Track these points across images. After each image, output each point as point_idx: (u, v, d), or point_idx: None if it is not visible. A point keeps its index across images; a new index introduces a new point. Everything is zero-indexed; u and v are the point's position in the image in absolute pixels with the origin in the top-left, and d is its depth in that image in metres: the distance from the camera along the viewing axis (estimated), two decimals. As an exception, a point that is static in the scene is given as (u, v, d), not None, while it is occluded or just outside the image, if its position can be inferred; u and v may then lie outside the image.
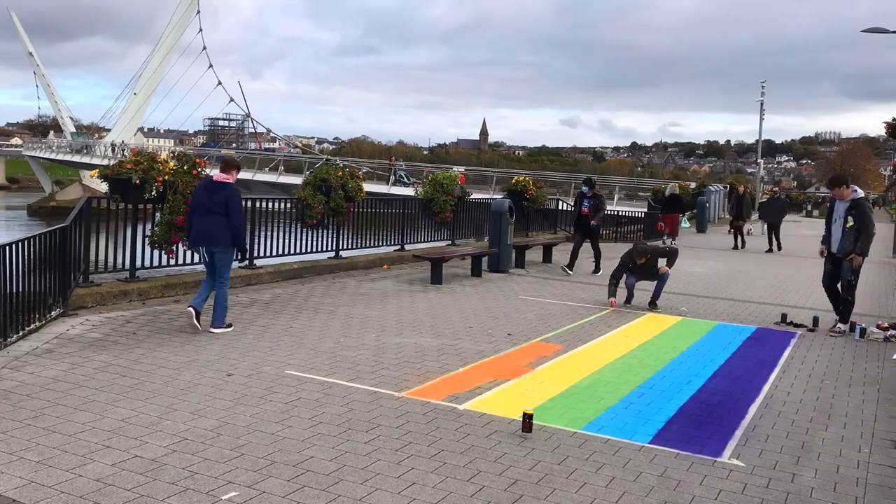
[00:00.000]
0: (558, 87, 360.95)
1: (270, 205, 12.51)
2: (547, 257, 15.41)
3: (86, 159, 64.70)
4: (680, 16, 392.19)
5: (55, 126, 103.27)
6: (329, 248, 12.71)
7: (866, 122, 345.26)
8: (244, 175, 49.34)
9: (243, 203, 11.83)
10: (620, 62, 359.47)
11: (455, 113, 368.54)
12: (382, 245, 14.52)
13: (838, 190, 9.36)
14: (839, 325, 9.31)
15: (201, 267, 10.43)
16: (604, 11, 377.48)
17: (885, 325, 9.33)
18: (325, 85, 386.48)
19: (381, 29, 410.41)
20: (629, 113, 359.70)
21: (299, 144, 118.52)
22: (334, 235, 12.73)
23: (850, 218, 9.13)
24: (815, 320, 9.63)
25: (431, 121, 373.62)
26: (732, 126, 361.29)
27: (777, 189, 23.71)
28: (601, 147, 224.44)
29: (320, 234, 12.41)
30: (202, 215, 7.57)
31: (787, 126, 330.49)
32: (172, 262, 9.62)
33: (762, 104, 51.84)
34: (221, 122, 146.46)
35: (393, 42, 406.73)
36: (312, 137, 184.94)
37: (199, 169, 9.32)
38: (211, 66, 77.29)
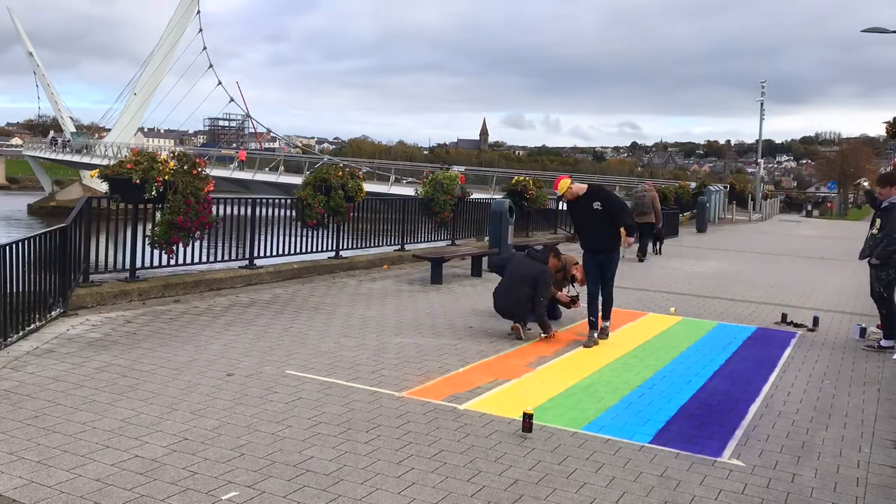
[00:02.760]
0: (500, 92, 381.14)
1: (270, 208, 12.53)
2: (547, 257, 15.38)
3: (86, 159, 64.72)
4: (585, 31, 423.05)
5: (55, 126, 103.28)
6: (329, 248, 12.71)
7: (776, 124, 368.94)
8: (244, 175, 49.40)
9: (245, 203, 11.94)
10: (547, 71, 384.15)
11: (422, 115, 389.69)
12: (382, 245, 14.53)
13: (887, 189, 8.35)
14: (882, 340, 8.44)
15: (201, 267, 10.46)
16: (509, 29, 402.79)
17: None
18: (283, 90, 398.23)
19: (311, 42, 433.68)
20: (571, 116, 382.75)
21: (299, 144, 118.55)
22: (334, 235, 12.72)
23: (877, 221, 8.43)
24: (815, 320, 9.62)
25: (401, 122, 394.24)
26: (675, 128, 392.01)
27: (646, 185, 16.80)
28: (601, 147, 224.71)
29: (320, 234, 12.41)
30: None
31: (709, 125, 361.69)
32: (172, 261, 9.62)
33: (762, 104, 51.81)
34: (221, 122, 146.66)
35: (322, 54, 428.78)
36: (312, 137, 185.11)
37: (199, 169, 9.32)
38: (211, 65, 77.37)
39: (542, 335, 7.98)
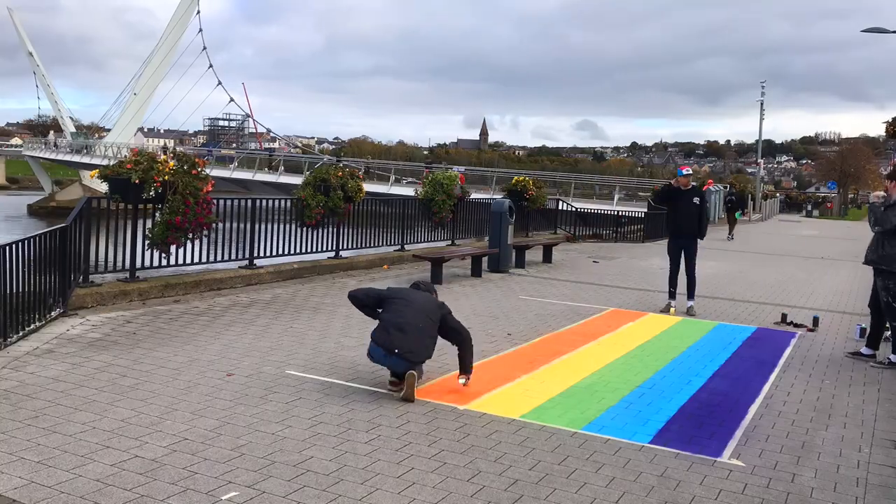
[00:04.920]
0: (452, 96, 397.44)
1: (270, 204, 12.53)
2: (547, 257, 15.40)
3: (86, 159, 64.73)
4: (513, 41, 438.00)
5: (55, 126, 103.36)
6: (329, 248, 12.71)
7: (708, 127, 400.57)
8: (244, 175, 49.41)
9: (244, 203, 11.95)
10: (491, 76, 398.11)
11: (399, 115, 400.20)
12: (382, 245, 14.52)
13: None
14: (892, 356, 7.62)
15: (201, 267, 10.46)
16: (444, 40, 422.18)
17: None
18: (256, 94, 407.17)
19: (266, 51, 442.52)
20: (526, 117, 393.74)
21: (299, 144, 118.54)
22: (334, 235, 12.73)
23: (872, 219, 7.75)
24: (815, 320, 9.62)
25: (378, 123, 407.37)
26: (640, 129, 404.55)
27: None
28: (601, 147, 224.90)
29: (320, 234, 12.41)
30: None
31: (675, 127, 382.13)
32: (172, 262, 9.62)
33: (762, 104, 51.86)
34: (221, 122, 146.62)
35: (276, 63, 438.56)
36: (312, 137, 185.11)
37: (199, 169, 9.32)
38: (211, 66, 77.37)
39: (464, 380, 6.10)
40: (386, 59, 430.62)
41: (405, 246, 14.60)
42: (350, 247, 13.37)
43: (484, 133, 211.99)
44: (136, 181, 8.71)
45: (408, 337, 5.83)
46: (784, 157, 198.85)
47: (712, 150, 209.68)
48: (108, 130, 75.20)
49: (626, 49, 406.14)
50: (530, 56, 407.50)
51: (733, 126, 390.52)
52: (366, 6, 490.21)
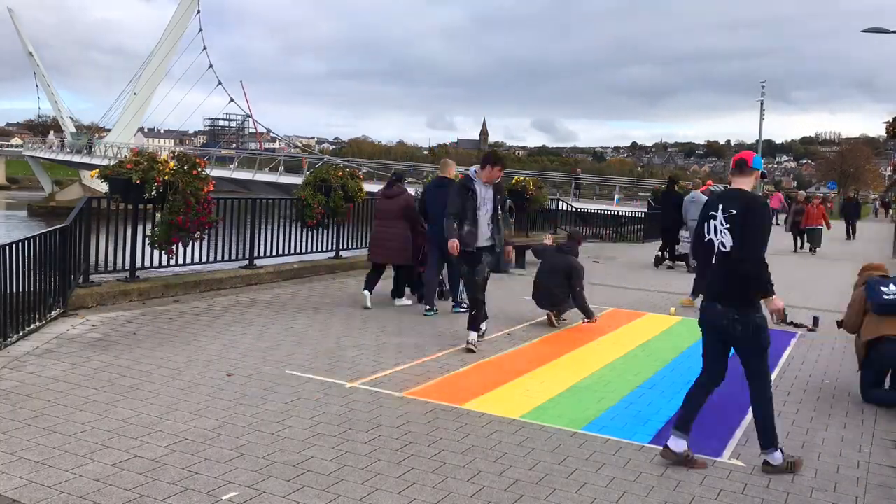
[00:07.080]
0: (420, 98, 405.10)
1: (271, 202, 12.52)
2: (547, 257, 15.37)
3: (86, 159, 64.72)
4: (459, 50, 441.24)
5: (55, 126, 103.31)
6: (329, 248, 12.71)
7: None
8: (244, 175, 49.42)
9: (244, 203, 11.95)
10: (445, 81, 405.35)
11: (373, 117, 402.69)
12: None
13: None
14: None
15: (201, 267, 10.46)
16: (390, 45, 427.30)
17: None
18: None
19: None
20: (490, 119, 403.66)
21: (300, 144, 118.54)
22: (334, 235, 12.73)
23: None
24: (815, 320, 9.63)
25: (366, 124, 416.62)
26: (610, 130, 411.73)
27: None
28: (601, 147, 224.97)
29: (320, 235, 12.41)
30: None
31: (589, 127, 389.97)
32: (172, 262, 9.62)
33: (762, 104, 51.87)
34: (221, 122, 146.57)
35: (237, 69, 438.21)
36: (312, 137, 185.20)
37: (200, 169, 9.32)
38: (211, 66, 77.25)
39: (584, 320, 8.88)
40: (339, 63, 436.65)
41: (405, 246, 14.57)
42: (350, 247, 13.36)
43: (484, 133, 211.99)
44: (137, 181, 8.72)
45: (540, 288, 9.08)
46: (784, 157, 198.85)
47: (712, 149, 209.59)
48: (108, 130, 75.11)
49: (556, 55, 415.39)
50: (466, 64, 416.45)
51: (699, 127, 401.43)
52: (309, 16, 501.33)
